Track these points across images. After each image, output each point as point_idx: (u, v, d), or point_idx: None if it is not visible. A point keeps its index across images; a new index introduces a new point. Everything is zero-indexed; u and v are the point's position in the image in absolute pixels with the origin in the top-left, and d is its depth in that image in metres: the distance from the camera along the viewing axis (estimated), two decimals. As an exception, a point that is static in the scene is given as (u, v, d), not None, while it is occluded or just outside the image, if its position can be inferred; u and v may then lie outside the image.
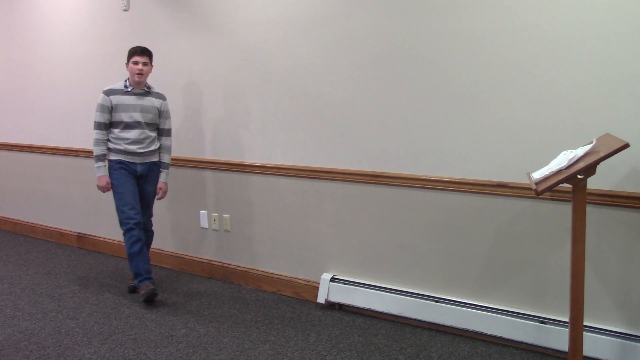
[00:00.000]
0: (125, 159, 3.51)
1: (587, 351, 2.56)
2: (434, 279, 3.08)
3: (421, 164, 3.03)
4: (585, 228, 2.11)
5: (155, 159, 3.63)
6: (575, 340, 2.18)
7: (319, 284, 3.44)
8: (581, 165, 2.07)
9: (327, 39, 3.24)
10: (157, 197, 3.67)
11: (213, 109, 3.79)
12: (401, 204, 3.12)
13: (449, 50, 2.86)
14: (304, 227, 3.51)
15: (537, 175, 2.27)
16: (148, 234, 3.71)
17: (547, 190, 2.08)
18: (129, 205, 3.48)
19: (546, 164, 2.51)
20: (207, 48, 3.75)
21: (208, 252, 4.00)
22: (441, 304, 3.00)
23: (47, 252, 4.63)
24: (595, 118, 2.54)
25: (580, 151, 2.17)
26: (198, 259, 4.04)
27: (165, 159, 3.66)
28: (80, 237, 4.74)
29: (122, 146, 3.50)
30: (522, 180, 2.75)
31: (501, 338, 2.85)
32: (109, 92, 3.48)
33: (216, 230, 3.93)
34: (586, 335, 2.55)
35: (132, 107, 3.49)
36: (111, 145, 3.52)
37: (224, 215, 3.86)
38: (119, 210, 3.51)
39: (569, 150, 2.30)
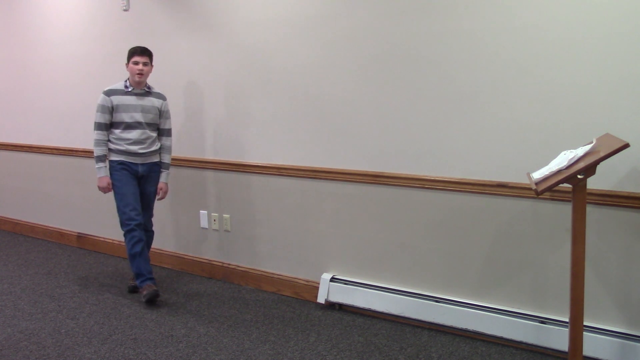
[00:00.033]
0: (127, 160, 3.51)
1: (587, 351, 2.56)
2: (434, 279, 3.08)
3: (421, 164, 3.03)
4: (585, 228, 2.12)
5: (156, 159, 3.63)
6: (575, 340, 2.19)
7: (319, 284, 3.44)
8: (581, 165, 2.07)
9: (327, 39, 3.24)
10: (157, 197, 3.67)
11: (213, 109, 3.79)
12: (401, 204, 3.12)
13: (449, 50, 2.86)
14: (304, 227, 3.51)
15: (537, 175, 2.27)
16: (148, 234, 3.70)
17: (547, 190, 2.08)
18: (130, 206, 3.48)
19: (546, 164, 2.51)
20: (207, 48, 3.75)
21: (208, 252, 4.00)
22: (441, 304, 3.00)
23: (47, 252, 4.63)
24: (595, 118, 2.54)
25: (580, 151, 2.17)
26: (198, 259, 4.04)
27: (166, 159, 3.66)
28: (80, 237, 4.74)
29: (124, 147, 3.49)
30: (522, 180, 2.75)
31: (501, 338, 2.85)
32: (109, 93, 3.48)
33: (216, 230, 3.93)
34: (586, 335, 2.55)
35: (133, 108, 3.49)
36: (112, 146, 3.52)
37: (224, 215, 3.86)
38: (120, 211, 3.51)
39: (569, 150, 2.30)
